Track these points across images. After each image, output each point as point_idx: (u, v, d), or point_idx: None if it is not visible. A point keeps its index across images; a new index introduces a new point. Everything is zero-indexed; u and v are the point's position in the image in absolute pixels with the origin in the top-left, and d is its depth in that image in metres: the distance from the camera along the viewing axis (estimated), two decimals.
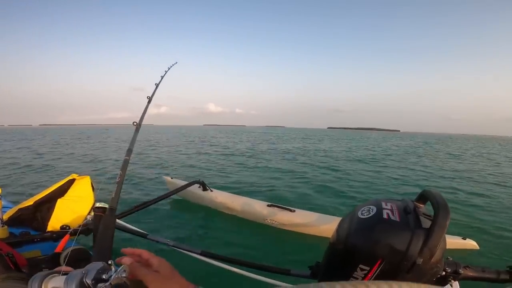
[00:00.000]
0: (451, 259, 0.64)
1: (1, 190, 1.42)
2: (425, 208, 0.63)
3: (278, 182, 5.06)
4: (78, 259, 1.28)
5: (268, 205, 2.78)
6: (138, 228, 1.87)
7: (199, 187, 3.17)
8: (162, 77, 1.88)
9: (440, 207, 0.53)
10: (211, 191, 3.17)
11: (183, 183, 3.08)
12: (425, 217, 0.57)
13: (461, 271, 0.63)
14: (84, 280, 0.41)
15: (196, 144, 14.22)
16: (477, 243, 2.15)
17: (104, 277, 0.43)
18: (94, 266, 0.44)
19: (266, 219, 2.69)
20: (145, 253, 0.50)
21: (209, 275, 1.75)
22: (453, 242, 2.12)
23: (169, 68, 1.98)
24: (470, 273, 0.65)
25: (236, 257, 1.41)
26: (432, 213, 0.55)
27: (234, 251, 2.31)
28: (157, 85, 1.80)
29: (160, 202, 2.63)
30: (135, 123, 1.49)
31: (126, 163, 1.28)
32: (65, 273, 0.44)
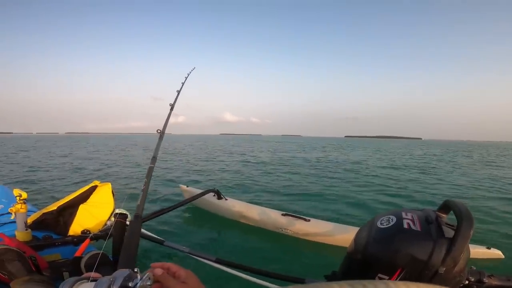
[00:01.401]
0: (474, 268, 0.62)
1: (27, 195, 1.49)
2: (448, 218, 0.62)
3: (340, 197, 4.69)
4: (98, 264, 1.32)
5: (282, 214, 2.76)
6: (155, 235, 1.91)
7: (214, 195, 3.19)
8: (182, 84, 1.93)
9: (463, 217, 0.53)
10: (226, 199, 3.18)
11: (198, 191, 3.12)
12: (448, 227, 0.57)
13: (485, 280, 0.61)
14: (111, 287, 0.42)
15: (232, 155, 13.70)
16: (502, 252, 2.12)
17: (130, 284, 0.43)
18: (121, 274, 0.44)
19: (281, 228, 2.67)
20: (173, 266, 0.51)
21: (224, 282, 1.74)
22: (477, 251, 2.09)
23: (188, 74, 2.03)
24: (494, 282, 0.64)
25: (250, 265, 1.40)
26: (455, 223, 0.55)
27: (248, 259, 2.29)
28: (178, 92, 1.84)
29: (175, 210, 2.67)
30: (159, 131, 1.52)
31: (151, 170, 1.32)
32: (94, 280, 0.46)
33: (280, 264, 2.24)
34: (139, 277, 0.46)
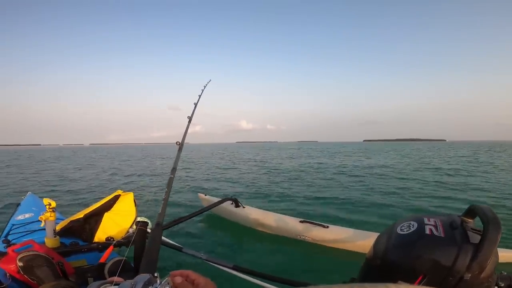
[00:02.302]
0: (505, 273, 0.59)
1: (55, 204, 1.57)
2: (474, 224, 0.60)
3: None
4: (121, 270, 1.36)
5: (300, 221, 2.73)
6: (174, 241, 1.94)
7: (232, 203, 3.22)
8: (199, 96, 1.98)
9: (490, 221, 0.52)
10: (244, 207, 3.19)
11: (217, 199, 3.15)
12: (473, 232, 0.56)
13: None
14: None
15: (250, 163, 13.54)
16: None
17: None
18: (142, 278, 0.46)
19: (299, 236, 2.63)
20: (192, 274, 0.52)
21: None
22: (509, 255, 1.93)
23: (205, 87, 2.08)
24: None
25: (267, 272, 1.39)
26: (481, 228, 0.54)
27: (266, 267, 2.27)
28: (195, 104, 1.90)
29: (194, 218, 2.71)
30: (178, 143, 1.57)
31: (171, 181, 1.37)
32: (117, 284, 0.48)
33: (298, 271, 2.22)
34: (158, 281, 0.47)
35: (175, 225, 2.42)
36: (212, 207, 2.93)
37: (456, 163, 11.95)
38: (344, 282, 0.72)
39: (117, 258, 1.44)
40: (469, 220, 0.60)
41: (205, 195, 3.65)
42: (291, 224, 2.74)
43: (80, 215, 1.78)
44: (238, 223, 3.17)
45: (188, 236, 3.01)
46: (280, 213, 3.10)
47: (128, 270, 1.36)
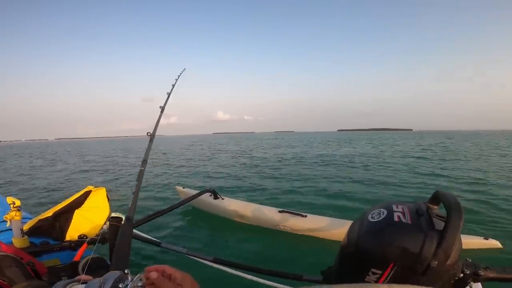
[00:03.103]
0: (470, 260, 0.61)
1: (20, 202, 1.48)
2: (439, 210, 0.61)
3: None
4: (95, 267, 1.31)
5: (279, 211, 2.77)
6: (152, 236, 1.90)
7: (211, 195, 3.19)
8: (173, 86, 1.91)
9: (452, 208, 0.52)
10: (223, 199, 3.18)
11: (195, 192, 3.11)
12: (438, 219, 0.55)
13: (481, 272, 0.60)
14: None
15: (229, 154, 13.50)
16: (500, 242, 2.09)
17: (120, 286, 0.44)
18: (112, 275, 0.45)
19: (278, 225, 2.68)
20: (168, 269, 0.51)
21: (222, 282, 1.75)
22: (475, 242, 2.07)
23: (178, 76, 2.01)
24: (491, 274, 0.63)
25: (248, 264, 1.41)
26: (445, 215, 0.53)
27: (246, 258, 2.31)
28: (168, 94, 1.83)
29: (172, 211, 2.67)
30: (149, 134, 1.52)
31: (141, 173, 1.31)
32: (85, 282, 0.46)
33: (277, 261, 2.26)
34: (129, 278, 0.46)
35: (151, 219, 2.36)
36: (191, 200, 2.88)
37: (423, 151, 12.70)
38: (322, 271, 0.74)
39: (91, 256, 1.40)
40: (434, 206, 0.60)
41: (183, 188, 3.58)
42: (270, 215, 2.78)
43: (49, 213, 1.69)
44: (218, 215, 3.16)
45: (167, 231, 2.96)
46: (260, 204, 3.12)
47: (103, 268, 1.32)
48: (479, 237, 2.11)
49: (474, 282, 0.60)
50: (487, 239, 2.08)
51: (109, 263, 1.39)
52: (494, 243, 2.08)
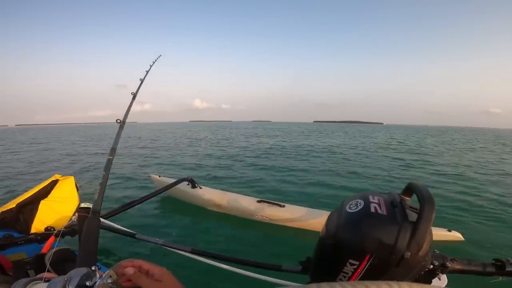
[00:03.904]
0: (438, 252, 0.64)
1: None
2: (411, 201, 0.63)
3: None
4: (63, 260, 1.25)
5: (257, 201, 2.79)
6: (126, 227, 1.84)
7: (188, 184, 3.14)
8: (147, 72, 1.83)
9: (425, 200, 0.53)
10: (200, 188, 3.14)
11: (171, 180, 3.04)
12: (411, 210, 0.57)
13: (448, 264, 0.62)
14: (66, 287, 0.40)
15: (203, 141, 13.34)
16: (461, 234, 2.20)
17: (88, 283, 0.42)
18: (78, 273, 0.43)
19: (256, 215, 2.70)
20: (145, 264, 0.48)
21: (200, 273, 1.75)
22: (439, 234, 2.17)
23: (154, 62, 1.92)
24: (457, 266, 0.66)
25: (226, 255, 1.41)
26: (418, 206, 0.55)
27: (224, 248, 2.31)
28: (142, 80, 1.75)
29: (148, 201, 2.59)
30: (118, 121, 1.43)
31: (109, 163, 1.24)
32: (48, 280, 0.43)
33: (256, 251, 2.28)
34: (98, 275, 0.44)
35: (125, 210, 2.28)
36: (167, 189, 2.82)
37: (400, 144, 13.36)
38: (301, 262, 0.75)
39: (57, 248, 1.32)
40: (407, 198, 0.61)
41: (159, 176, 3.49)
42: (248, 204, 2.79)
43: (12, 204, 1.58)
44: (195, 205, 3.12)
45: (142, 221, 2.88)
46: (238, 194, 3.13)
47: (72, 260, 1.26)
48: (442, 228, 2.21)
49: (442, 274, 0.62)
50: (450, 231, 2.19)
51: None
52: (457, 235, 2.19)
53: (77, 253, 1.33)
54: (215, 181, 4.77)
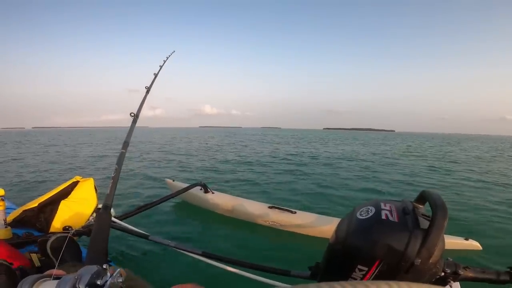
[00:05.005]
0: (451, 259, 0.63)
1: (4, 192, 1.43)
2: (424, 209, 0.63)
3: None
4: (64, 247, 1.24)
5: (269, 207, 2.79)
6: (140, 229, 1.88)
7: (201, 189, 3.17)
8: (160, 67, 1.84)
9: (438, 208, 0.53)
10: (213, 193, 3.17)
11: (185, 185, 3.09)
12: (424, 218, 0.57)
13: (460, 272, 0.62)
14: (77, 286, 0.39)
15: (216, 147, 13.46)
16: (480, 243, 2.11)
17: (98, 282, 0.41)
18: (88, 270, 0.41)
19: (268, 221, 2.69)
20: None
21: (210, 276, 1.75)
22: (455, 242, 2.10)
23: (167, 58, 1.94)
24: (470, 274, 0.65)
25: (236, 258, 1.41)
26: (430, 214, 0.55)
27: (234, 252, 2.31)
28: (156, 75, 1.77)
29: (161, 204, 2.64)
30: (132, 114, 1.43)
31: (122, 156, 1.23)
32: (57, 277, 0.42)
33: (266, 256, 2.27)
34: (108, 274, 0.43)
35: (140, 212, 2.34)
36: (181, 193, 2.87)
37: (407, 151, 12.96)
38: (310, 267, 0.75)
39: (60, 234, 1.31)
40: (420, 206, 0.62)
41: (173, 181, 3.55)
42: (260, 210, 2.79)
43: (34, 203, 1.65)
44: (207, 209, 3.15)
45: (156, 223, 2.93)
46: (250, 199, 3.13)
47: (72, 248, 1.25)
48: (460, 237, 2.13)
49: (454, 281, 0.62)
50: (468, 240, 2.11)
51: (79, 245, 1.35)
52: (475, 244, 2.11)
53: (80, 245, 1.36)
54: (227, 187, 4.80)
